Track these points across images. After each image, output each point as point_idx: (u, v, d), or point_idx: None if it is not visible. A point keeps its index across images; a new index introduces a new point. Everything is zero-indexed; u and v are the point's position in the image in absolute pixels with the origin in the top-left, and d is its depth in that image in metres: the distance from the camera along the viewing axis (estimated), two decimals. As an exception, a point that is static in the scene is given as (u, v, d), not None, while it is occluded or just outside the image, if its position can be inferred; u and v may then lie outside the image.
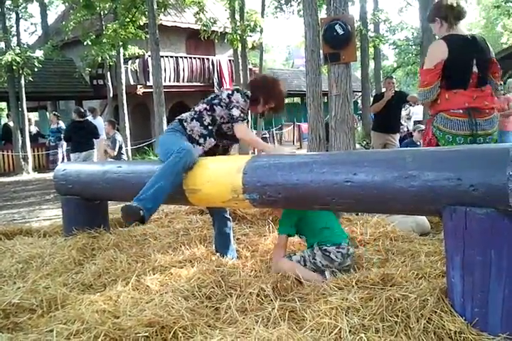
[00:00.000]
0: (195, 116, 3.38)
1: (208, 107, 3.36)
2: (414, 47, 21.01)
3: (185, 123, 3.37)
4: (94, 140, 8.77)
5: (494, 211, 2.01)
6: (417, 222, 4.04)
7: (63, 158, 12.80)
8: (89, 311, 2.41)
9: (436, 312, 2.08)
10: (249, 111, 3.50)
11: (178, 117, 3.47)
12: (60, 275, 3.17)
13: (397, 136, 7.67)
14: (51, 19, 20.88)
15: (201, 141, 3.33)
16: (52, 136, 13.39)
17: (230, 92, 3.34)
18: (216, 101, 3.35)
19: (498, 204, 1.99)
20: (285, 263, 2.93)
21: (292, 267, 2.87)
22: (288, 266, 2.89)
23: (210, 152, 3.39)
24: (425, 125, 3.71)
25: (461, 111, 3.33)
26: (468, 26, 35.79)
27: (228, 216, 3.56)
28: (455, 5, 3.45)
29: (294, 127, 21.11)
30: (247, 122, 3.32)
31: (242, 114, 3.26)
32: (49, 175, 11.42)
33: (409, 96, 7.43)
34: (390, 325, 2.09)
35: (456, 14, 3.43)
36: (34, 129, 15.33)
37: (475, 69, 3.38)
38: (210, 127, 3.35)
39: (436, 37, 3.59)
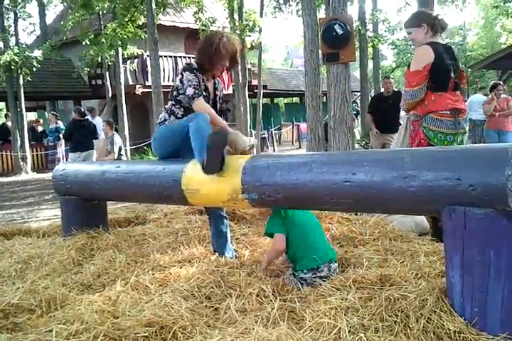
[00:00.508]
0: (169, 112, 3.44)
1: (173, 102, 3.42)
2: (412, 47, 21.03)
3: (166, 122, 3.43)
4: (93, 140, 8.77)
5: (493, 211, 2.01)
6: (416, 222, 4.04)
7: (62, 158, 12.79)
8: (88, 311, 2.41)
9: (435, 312, 2.09)
10: (209, 79, 3.47)
11: (158, 121, 3.54)
12: (59, 276, 3.17)
13: (396, 136, 7.68)
14: (50, 19, 20.92)
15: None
16: (51, 135, 13.40)
17: (180, 76, 3.36)
18: (175, 92, 3.39)
19: (497, 204, 1.99)
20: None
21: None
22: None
23: None
24: (410, 126, 3.83)
25: (448, 112, 3.56)
26: (467, 26, 35.81)
27: (225, 214, 3.56)
28: (439, 16, 3.77)
29: (292, 127, 21.12)
30: (204, 97, 3.32)
31: (196, 90, 3.26)
32: (48, 175, 11.42)
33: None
34: (390, 325, 2.09)
35: (442, 25, 3.70)
36: (40, 128, 15.33)
37: (452, 74, 3.62)
38: (185, 117, 3.36)
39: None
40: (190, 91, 3.26)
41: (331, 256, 2.87)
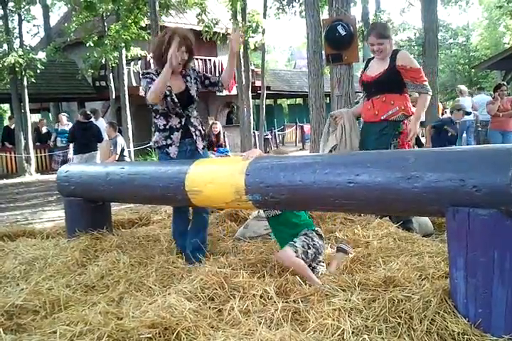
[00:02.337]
0: (154, 129, 3.58)
1: (153, 114, 3.56)
2: (416, 47, 21.03)
3: (157, 145, 3.57)
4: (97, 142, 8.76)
5: (497, 212, 2.00)
6: (420, 223, 4.03)
7: (72, 159, 12.80)
8: (92, 312, 2.41)
9: (439, 313, 2.08)
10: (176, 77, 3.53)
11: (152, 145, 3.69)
12: (63, 277, 3.17)
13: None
14: (54, 21, 20.99)
15: (169, 141, 3.49)
16: (64, 136, 13.41)
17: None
18: (149, 107, 3.53)
19: (501, 205, 1.99)
20: (296, 260, 2.86)
21: (303, 267, 2.83)
22: (298, 264, 2.84)
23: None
24: (399, 126, 4.00)
25: None
26: (470, 26, 35.74)
27: (206, 215, 3.63)
28: None
29: (296, 128, 21.11)
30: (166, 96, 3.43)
31: (147, 82, 3.38)
32: (52, 177, 11.44)
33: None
34: (393, 326, 2.09)
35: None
36: (44, 129, 15.34)
37: None
38: (167, 126, 3.50)
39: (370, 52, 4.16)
40: (147, 96, 3.36)
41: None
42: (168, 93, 3.41)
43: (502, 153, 2.05)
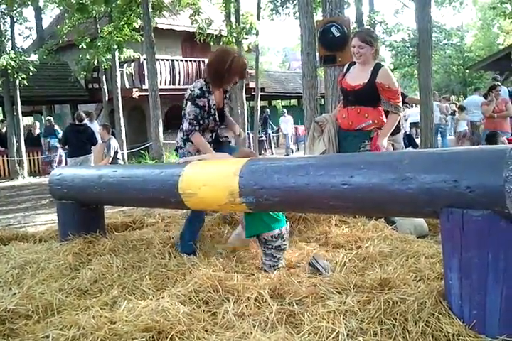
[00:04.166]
0: (184, 138, 3.69)
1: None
2: (410, 48, 21.11)
3: (180, 151, 3.76)
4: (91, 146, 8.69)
5: (491, 213, 1.99)
6: (415, 225, 4.03)
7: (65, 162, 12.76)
8: (85, 317, 2.39)
9: (434, 314, 2.07)
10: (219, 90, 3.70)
11: (176, 145, 3.81)
12: (55, 281, 3.14)
13: (401, 137, 7.66)
14: (46, 23, 20.90)
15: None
16: (53, 137, 13.37)
17: (184, 105, 3.67)
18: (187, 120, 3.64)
19: (495, 206, 1.98)
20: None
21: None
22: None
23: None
24: (371, 133, 4.15)
25: None
26: (464, 27, 35.94)
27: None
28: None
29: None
30: (204, 119, 3.62)
31: (191, 126, 3.56)
32: (44, 180, 11.38)
33: (408, 97, 7.47)
34: (388, 328, 2.08)
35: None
36: (37, 131, 15.30)
37: None
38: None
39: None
40: (185, 126, 3.56)
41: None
42: (212, 112, 3.61)
43: (496, 154, 2.04)
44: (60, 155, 13.30)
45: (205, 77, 3.67)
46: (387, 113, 4.18)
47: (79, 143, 8.39)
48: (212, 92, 3.60)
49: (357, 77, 4.14)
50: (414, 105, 13.59)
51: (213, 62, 3.59)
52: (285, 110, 19.87)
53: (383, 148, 4.06)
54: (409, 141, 9.73)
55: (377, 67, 4.09)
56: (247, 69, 3.67)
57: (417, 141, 9.86)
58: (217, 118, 3.65)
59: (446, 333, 1.99)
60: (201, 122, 3.58)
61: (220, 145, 3.78)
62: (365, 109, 4.09)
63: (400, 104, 4.16)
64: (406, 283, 2.49)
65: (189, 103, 3.57)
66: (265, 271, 3.03)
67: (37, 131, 15.29)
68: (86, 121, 9.76)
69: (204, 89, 3.57)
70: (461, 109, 12.34)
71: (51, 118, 14.25)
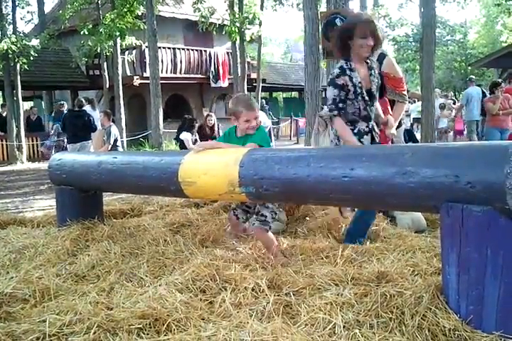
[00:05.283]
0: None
1: None
2: (413, 43, 20.99)
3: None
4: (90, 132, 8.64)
5: (491, 208, 2.00)
6: (413, 219, 4.03)
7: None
8: (82, 302, 2.40)
9: (430, 309, 2.08)
10: (362, 65, 3.25)
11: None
12: (53, 266, 3.15)
13: (401, 132, 7.65)
14: (48, 7, 20.75)
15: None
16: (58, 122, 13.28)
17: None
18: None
19: (495, 202, 1.98)
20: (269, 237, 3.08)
21: (272, 242, 3.06)
22: (269, 240, 3.07)
23: None
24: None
25: None
26: (468, 24, 35.78)
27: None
28: None
29: (291, 122, 21.07)
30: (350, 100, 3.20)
31: (329, 110, 3.20)
32: (43, 165, 11.36)
33: (410, 92, 7.45)
34: (385, 321, 2.09)
35: None
36: (35, 116, 15.21)
37: None
38: (355, 130, 3.27)
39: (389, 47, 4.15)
40: (325, 110, 3.26)
41: None
42: (359, 90, 3.16)
43: (498, 150, 2.04)
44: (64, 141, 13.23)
45: (342, 56, 3.23)
46: (391, 103, 4.17)
47: (75, 129, 8.33)
48: (354, 69, 3.18)
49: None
50: (416, 100, 13.59)
51: (336, 33, 3.25)
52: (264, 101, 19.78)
53: (394, 137, 4.01)
54: (409, 136, 9.71)
55: (381, 57, 4.07)
56: (374, 27, 3.12)
57: (418, 135, 9.85)
58: (367, 98, 3.19)
59: (442, 327, 2.00)
60: (342, 105, 3.14)
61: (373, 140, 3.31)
62: None
63: (406, 92, 4.12)
64: (403, 277, 2.50)
65: (328, 87, 3.18)
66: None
67: (35, 116, 15.22)
68: (88, 107, 9.71)
69: (344, 67, 3.17)
70: (442, 107, 12.90)
71: (64, 102, 14.08)
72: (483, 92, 10.64)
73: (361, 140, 3.23)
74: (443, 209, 2.13)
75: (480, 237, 2.02)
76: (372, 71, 3.30)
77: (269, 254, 3.02)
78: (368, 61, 3.29)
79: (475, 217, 2.02)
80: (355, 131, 3.24)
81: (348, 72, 3.15)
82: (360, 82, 3.16)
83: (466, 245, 2.05)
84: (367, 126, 3.27)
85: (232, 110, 3.19)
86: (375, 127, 3.37)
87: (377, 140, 3.36)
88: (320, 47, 6.42)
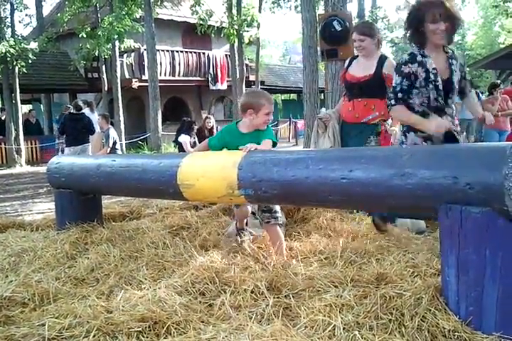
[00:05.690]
0: (405, 129, 3.11)
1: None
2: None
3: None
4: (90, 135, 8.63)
5: (490, 210, 1.99)
6: (413, 221, 4.03)
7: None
8: (81, 305, 2.39)
9: (430, 310, 2.08)
10: (439, 54, 2.95)
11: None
12: (52, 269, 3.14)
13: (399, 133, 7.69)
14: (46, 10, 20.75)
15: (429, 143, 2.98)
16: None
17: None
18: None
19: (494, 204, 1.98)
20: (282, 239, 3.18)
21: (282, 244, 3.14)
22: (282, 242, 3.16)
23: None
24: (377, 128, 4.17)
25: None
26: (466, 25, 35.84)
27: None
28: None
29: (290, 124, 21.09)
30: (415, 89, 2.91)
31: (389, 99, 2.98)
32: (42, 169, 11.36)
33: None
34: (384, 323, 2.08)
35: (381, 42, 4.23)
36: (33, 120, 15.20)
37: None
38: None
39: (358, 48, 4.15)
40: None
41: None
42: (432, 77, 2.86)
43: (496, 152, 2.04)
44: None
45: (415, 43, 2.96)
46: None
47: (76, 132, 8.33)
48: (428, 56, 2.89)
49: (362, 68, 4.14)
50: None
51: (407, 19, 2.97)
52: None
53: (396, 133, 3.96)
54: None
55: (383, 58, 4.11)
56: (447, 10, 2.77)
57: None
58: (441, 87, 2.87)
59: (442, 329, 1.99)
60: (402, 95, 2.90)
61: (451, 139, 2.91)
62: (372, 101, 4.09)
63: None
64: (403, 279, 2.50)
65: (394, 74, 2.95)
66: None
67: (34, 120, 15.22)
68: (87, 110, 9.70)
69: (415, 53, 2.90)
70: None
71: (70, 106, 14.05)
72: (477, 93, 10.66)
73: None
74: (442, 211, 2.13)
75: (479, 239, 2.02)
76: (453, 61, 2.94)
77: (276, 250, 3.08)
78: (449, 51, 2.98)
79: (474, 218, 2.02)
80: None
81: (419, 58, 2.88)
82: (434, 69, 2.86)
83: (464, 246, 2.05)
84: None
85: (252, 103, 3.09)
86: (455, 121, 3.00)
87: (459, 138, 2.97)
88: (318, 49, 6.43)
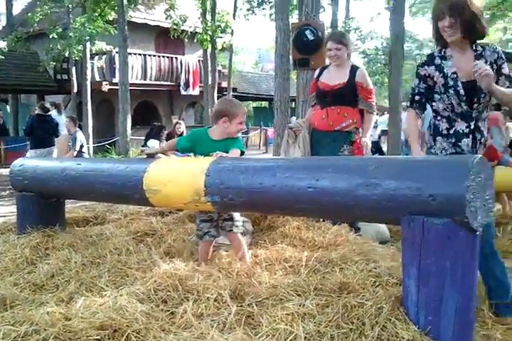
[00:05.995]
0: (431, 131, 2.91)
1: (433, 115, 2.91)
2: (383, 56, 21.40)
3: (432, 151, 2.91)
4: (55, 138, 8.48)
5: (451, 221, 2.03)
6: (377, 230, 4.09)
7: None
8: (39, 312, 2.32)
9: (390, 319, 2.10)
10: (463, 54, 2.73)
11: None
12: (10, 275, 3.06)
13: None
14: (17, 9, 20.35)
15: (458, 150, 2.80)
16: None
17: None
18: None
19: (456, 215, 2.02)
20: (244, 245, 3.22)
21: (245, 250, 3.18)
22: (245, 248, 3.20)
23: None
24: (351, 136, 4.25)
25: None
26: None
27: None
28: None
29: (260, 131, 21.15)
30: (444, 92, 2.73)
31: (408, 101, 2.94)
32: (6, 171, 11.06)
33: (377, 104, 7.61)
34: (345, 332, 2.09)
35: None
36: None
37: None
38: (451, 131, 2.81)
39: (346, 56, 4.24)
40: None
41: None
42: (451, 83, 2.68)
43: (459, 164, 2.09)
44: None
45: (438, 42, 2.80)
46: (361, 113, 4.30)
47: (44, 134, 8.19)
48: (449, 57, 2.72)
49: (335, 77, 4.22)
50: (385, 113, 13.82)
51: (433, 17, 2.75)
52: None
53: (367, 144, 4.17)
54: (376, 148, 9.94)
55: (355, 68, 4.24)
56: (457, 7, 2.56)
57: (384, 148, 10.02)
58: (462, 92, 2.65)
59: (401, 338, 2.01)
60: (419, 98, 2.81)
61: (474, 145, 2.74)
62: (345, 108, 4.17)
63: (375, 103, 4.29)
64: (365, 288, 2.51)
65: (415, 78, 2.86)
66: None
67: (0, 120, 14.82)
68: (54, 112, 9.53)
69: (435, 55, 2.76)
70: None
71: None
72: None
73: (459, 143, 2.75)
74: (404, 222, 2.16)
75: (440, 250, 2.05)
76: (483, 59, 2.65)
77: (240, 256, 3.10)
78: (479, 48, 2.72)
79: (435, 229, 2.05)
80: (452, 131, 2.77)
81: (437, 60, 2.74)
82: (454, 73, 2.68)
83: (426, 257, 2.08)
84: (467, 127, 2.73)
85: (227, 111, 3.11)
86: (482, 128, 2.77)
87: (480, 147, 2.78)
88: (290, 57, 6.48)
